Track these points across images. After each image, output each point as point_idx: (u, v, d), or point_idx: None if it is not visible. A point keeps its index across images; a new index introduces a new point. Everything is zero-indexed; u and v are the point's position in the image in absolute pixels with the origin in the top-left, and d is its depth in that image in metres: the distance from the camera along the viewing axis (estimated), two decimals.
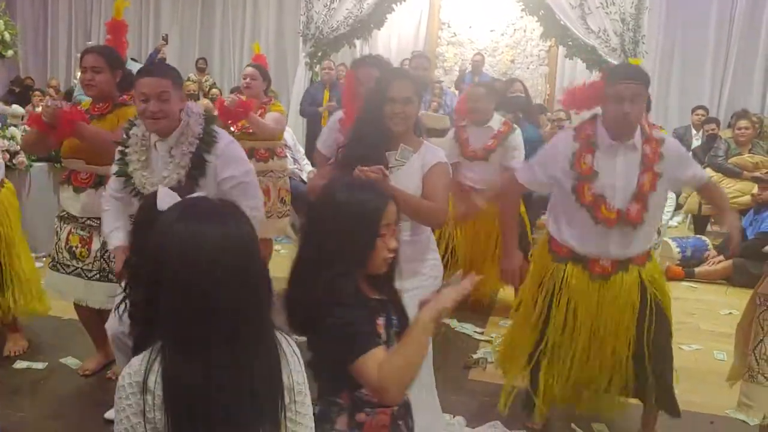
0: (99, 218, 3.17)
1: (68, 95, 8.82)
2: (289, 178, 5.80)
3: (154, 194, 1.60)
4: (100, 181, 3.26)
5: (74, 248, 3.35)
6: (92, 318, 3.46)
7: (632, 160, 2.77)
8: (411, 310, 1.74)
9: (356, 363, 1.57)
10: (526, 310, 3.03)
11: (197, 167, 2.73)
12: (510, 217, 3.10)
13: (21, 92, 10.82)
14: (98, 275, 3.32)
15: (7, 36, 8.59)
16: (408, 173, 2.57)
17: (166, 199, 1.56)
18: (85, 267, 3.35)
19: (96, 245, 3.31)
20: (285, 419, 1.39)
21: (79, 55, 6.62)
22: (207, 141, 2.75)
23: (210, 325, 1.29)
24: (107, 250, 3.21)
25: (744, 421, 3.32)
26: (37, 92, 9.91)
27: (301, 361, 1.46)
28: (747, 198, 6.89)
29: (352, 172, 2.57)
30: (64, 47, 12.67)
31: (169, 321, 1.31)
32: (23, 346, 3.81)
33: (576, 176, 2.79)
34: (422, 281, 2.56)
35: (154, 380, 1.31)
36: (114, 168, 2.88)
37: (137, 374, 1.32)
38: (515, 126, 4.57)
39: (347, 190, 1.72)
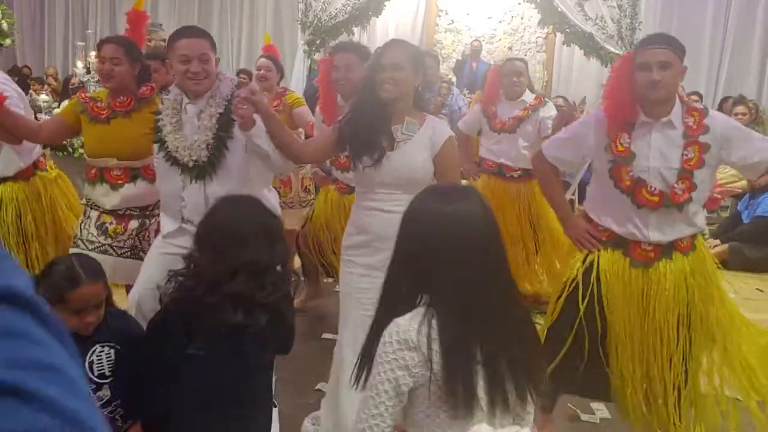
0: (139, 207, 3.27)
1: (65, 84, 8.83)
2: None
3: None
4: (136, 174, 3.23)
5: (107, 224, 3.27)
6: None
7: (670, 137, 2.59)
8: None
9: None
10: (559, 301, 2.81)
11: (225, 129, 2.72)
12: (551, 190, 2.95)
13: (18, 81, 10.79)
14: (129, 252, 3.28)
15: (4, 25, 8.60)
16: (414, 147, 2.54)
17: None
18: (115, 244, 3.28)
19: (134, 225, 3.26)
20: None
21: (78, 43, 6.64)
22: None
23: (482, 292, 1.51)
24: (144, 230, 3.26)
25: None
26: (35, 81, 9.90)
27: None
28: (743, 182, 6.95)
29: (351, 146, 2.60)
30: (61, 36, 12.63)
31: (446, 290, 1.51)
32: None
33: (612, 158, 2.62)
34: None
35: (423, 340, 1.48)
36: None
37: (404, 333, 1.50)
38: (547, 100, 4.64)
39: None
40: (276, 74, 4.71)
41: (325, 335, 3.91)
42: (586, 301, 2.69)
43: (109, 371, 2.13)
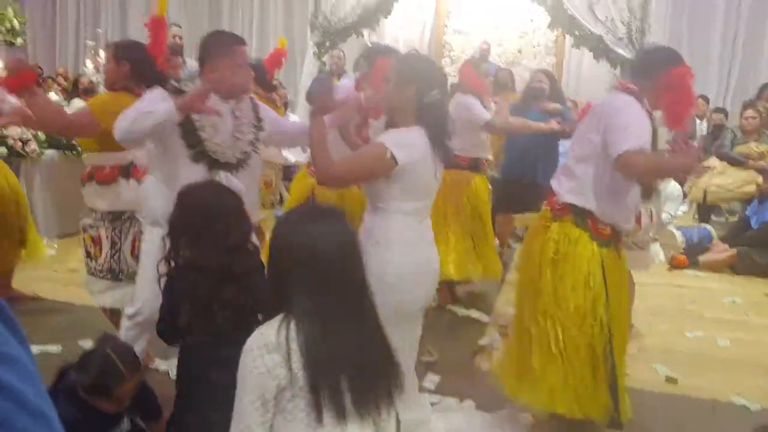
0: (124, 211, 3.27)
1: (75, 83, 8.88)
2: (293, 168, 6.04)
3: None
4: (125, 172, 3.27)
5: (89, 247, 3.33)
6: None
7: None
8: None
9: None
10: (581, 311, 2.67)
11: (259, 122, 2.86)
12: (654, 161, 2.70)
13: None
14: (109, 276, 3.31)
15: (16, 24, 8.69)
16: None
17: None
18: (97, 267, 3.33)
19: (106, 247, 3.28)
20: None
21: (89, 42, 6.69)
22: (252, 99, 2.90)
23: (338, 299, 1.61)
24: (118, 251, 3.28)
25: (745, 407, 3.37)
26: (49, 79, 9.96)
27: None
28: (752, 187, 6.91)
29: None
30: (72, 35, 12.70)
31: (303, 298, 1.59)
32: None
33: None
34: None
35: (282, 341, 1.54)
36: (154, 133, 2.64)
37: (265, 337, 1.57)
38: None
39: None
40: None
41: None
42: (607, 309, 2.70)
43: None
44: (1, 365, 0.49)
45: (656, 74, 2.67)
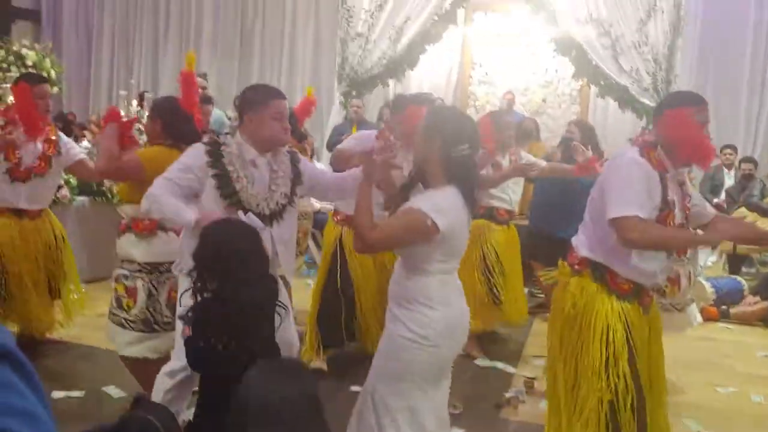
0: (161, 263, 3.30)
1: None
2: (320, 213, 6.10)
3: None
4: (164, 225, 3.28)
5: (121, 297, 3.32)
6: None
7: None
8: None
9: None
10: (597, 367, 2.58)
11: (297, 176, 2.92)
12: (671, 236, 2.58)
13: (63, 128, 11.13)
14: (142, 326, 3.31)
15: (53, 73, 8.97)
16: None
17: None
18: (128, 318, 3.32)
19: (142, 297, 3.28)
20: None
21: (121, 92, 6.93)
22: (292, 152, 2.97)
23: None
24: (155, 302, 3.30)
25: None
26: (80, 126, 10.22)
27: None
28: None
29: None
30: (105, 85, 13.05)
31: None
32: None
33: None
34: (392, 328, 2.50)
35: None
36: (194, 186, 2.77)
37: None
38: None
39: None
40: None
41: (353, 388, 3.88)
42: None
43: None
44: (23, 421, 0.55)
45: (662, 114, 2.62)
